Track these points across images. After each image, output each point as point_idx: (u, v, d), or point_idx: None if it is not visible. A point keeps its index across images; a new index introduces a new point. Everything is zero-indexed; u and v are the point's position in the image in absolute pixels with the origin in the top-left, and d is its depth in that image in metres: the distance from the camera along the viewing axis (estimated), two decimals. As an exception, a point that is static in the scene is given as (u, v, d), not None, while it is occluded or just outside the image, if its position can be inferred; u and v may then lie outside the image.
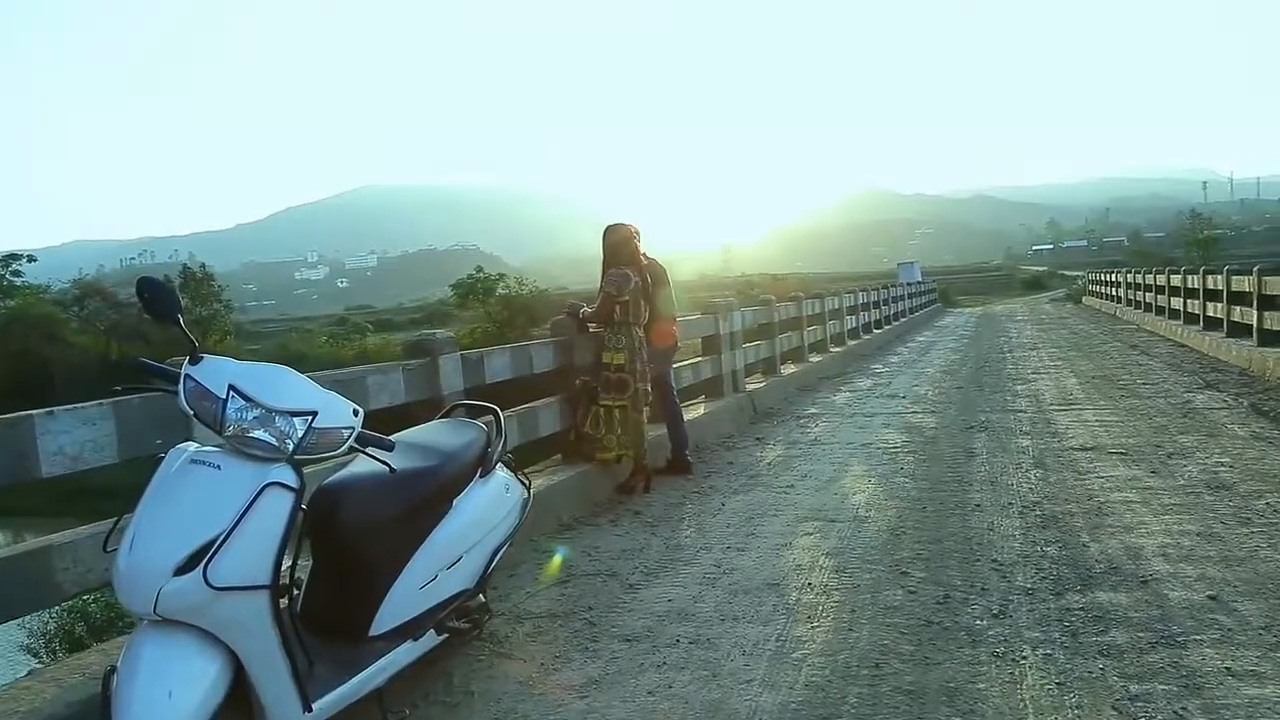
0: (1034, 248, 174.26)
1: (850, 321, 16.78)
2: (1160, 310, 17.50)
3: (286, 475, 2.38)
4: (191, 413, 2.41)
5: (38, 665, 10.01)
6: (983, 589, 3.91)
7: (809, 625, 3.63)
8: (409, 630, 2.95)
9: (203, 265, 49.86)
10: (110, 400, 3.23)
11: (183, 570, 2.19)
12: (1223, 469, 5.81)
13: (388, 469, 2.72)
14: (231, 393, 2.40)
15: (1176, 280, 16.04)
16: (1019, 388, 10.38)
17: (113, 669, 2.24)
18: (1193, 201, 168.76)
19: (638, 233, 6.29)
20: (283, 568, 2.39)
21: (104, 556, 3.21)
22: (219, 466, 2.35)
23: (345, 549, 2.85)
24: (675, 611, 3.89)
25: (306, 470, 2.50)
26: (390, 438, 2.79)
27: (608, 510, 5.74)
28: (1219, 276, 12.92)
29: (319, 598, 2.86)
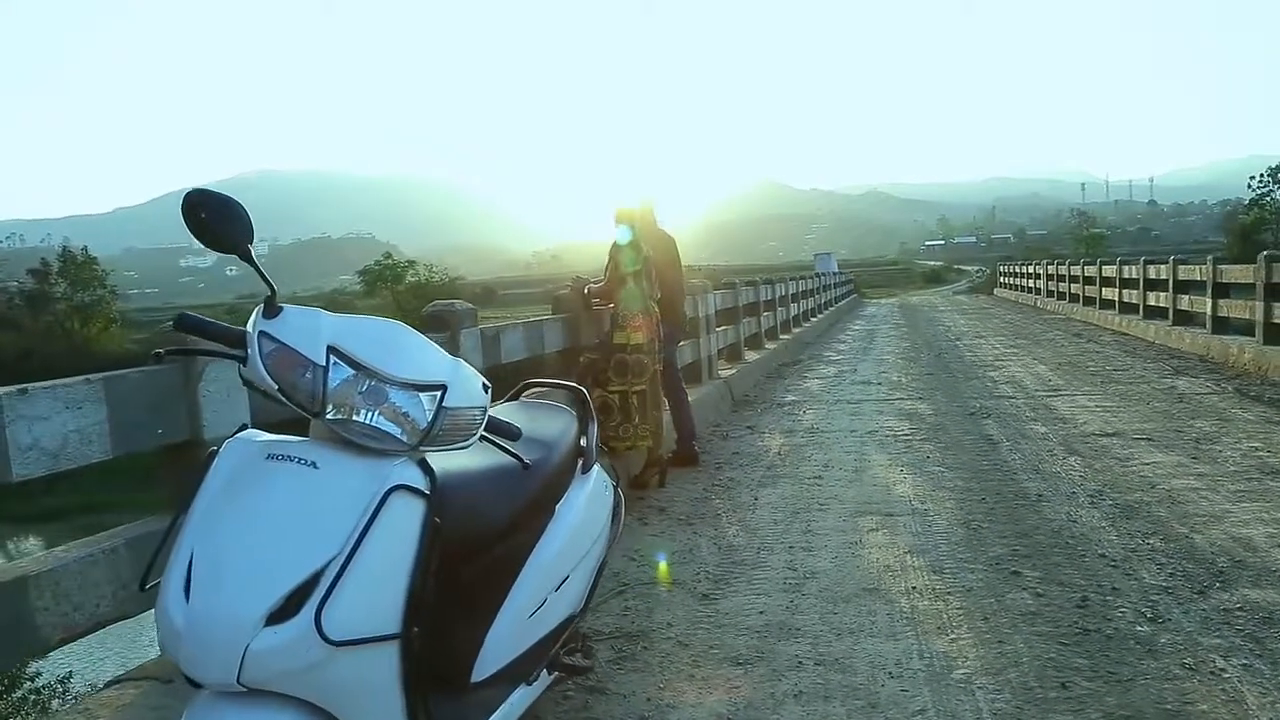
0: (927, 243, 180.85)
1: (794, 309, 16.53)
2: (1090, 300, 17.85)
3: (413, 475, 1.68)
4: (275, 386, 1.67)
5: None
6: (1114, 589, 3.48)
7: (946, 637, 3.12)
8: (519, 671, 2.27)
9: (84, 249, 46.28)
10: (100, 376, 2.45)
11: (276, 618, 1.49)
12: (1263, 453, 5.61)
13: (520, 463, 2.06)
14: (333, 358, 1.69)
15: (1110, 271, 16.34)
16: (992, 374, 10.19)
17: None
18: (1072, 202, 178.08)
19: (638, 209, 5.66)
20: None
21: (95, 590, 2.43)
22: (315, 464, 1.62)
23: (444, 568, 2.15)
24: (775, 626, 3.33)
25: None
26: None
27: (628, 507, 5.10)
28: (1164, 266, 13.13)
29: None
